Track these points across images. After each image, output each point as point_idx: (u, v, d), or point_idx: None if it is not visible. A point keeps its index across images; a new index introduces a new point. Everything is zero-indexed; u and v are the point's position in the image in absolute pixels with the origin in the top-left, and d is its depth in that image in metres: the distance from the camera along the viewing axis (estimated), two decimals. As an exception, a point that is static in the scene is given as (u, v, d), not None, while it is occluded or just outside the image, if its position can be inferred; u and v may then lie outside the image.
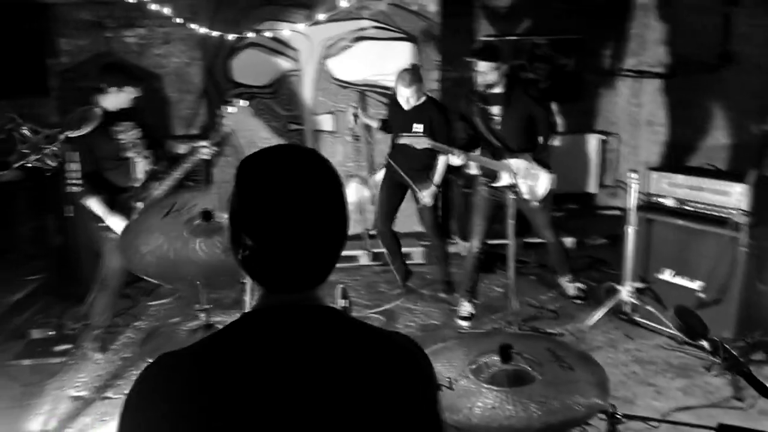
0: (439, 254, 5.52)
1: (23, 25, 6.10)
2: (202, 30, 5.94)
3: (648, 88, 6.90)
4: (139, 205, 4.23)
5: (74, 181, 4.10)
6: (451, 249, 6.51)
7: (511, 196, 4.32)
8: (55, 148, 2.53)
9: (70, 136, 2.73)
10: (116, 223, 4.12)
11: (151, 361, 1.17)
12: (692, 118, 6.35)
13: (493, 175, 4.71)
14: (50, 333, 4.79)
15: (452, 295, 5.32)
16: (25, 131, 2.49)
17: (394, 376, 1.16)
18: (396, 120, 5.11)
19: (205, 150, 4.34)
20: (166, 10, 5.71)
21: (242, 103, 4.47)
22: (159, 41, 6.75)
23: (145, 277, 2.65)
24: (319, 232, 1.17)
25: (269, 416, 1.08)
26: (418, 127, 4.96)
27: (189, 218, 2.73)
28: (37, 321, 5.10)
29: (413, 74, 4.91)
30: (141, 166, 4.35)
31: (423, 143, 4.67)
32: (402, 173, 5.06)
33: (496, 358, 2.35)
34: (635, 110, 7.17)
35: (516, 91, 4.65)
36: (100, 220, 4.19)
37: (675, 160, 6.43)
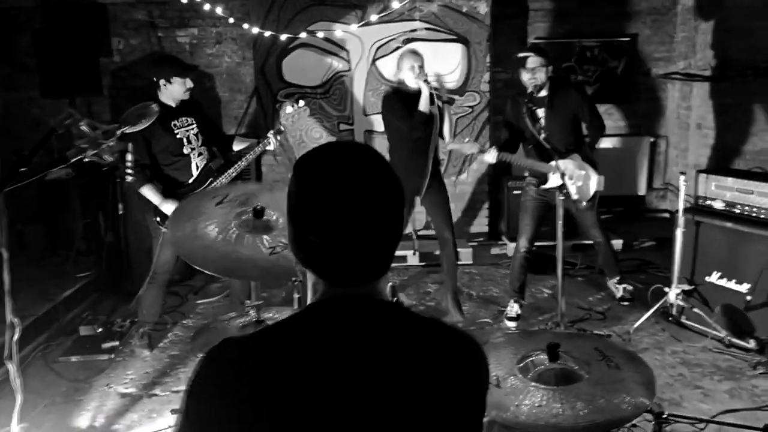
0: (450, 263, 5.01)
1: (79, 25, 6.26)
2: (254, 30, 6.07)
3: (698, 91, 6.83)
4: None
5: (129, 171, 4.19)
6: (501, 251, 6.60)
7: (560, 197, 4.36)
8: (112, 143, 2.61)
9: (127, 132, 2.82)
10: (171, 210, 4.13)
11: (202, 354, 1.20)
12: (742, 121, 6.29)
13: (542, 177, 4.75)
14: (99, 330, 4.84)
15: (462, 317, 5.02)
16: (84, 126, 2.58)
17: (452, 373, 1.20)
18: (408, 112, 4.61)
19: (269, 141, 4.33)
20: (219, 10, 5.85)
21: (301, 103, 4.48)
22: (211, 41, 6.93)
23: (190, 263, 2.68)
24: (380, 226, 1.19)
25: (329, 403, 1.11)
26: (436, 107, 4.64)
27: (240, 211, 2.74)
28: (86, 318, 5.13)
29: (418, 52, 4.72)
30: (195, 163, 4.39)
31: (471, 148, 4.73)
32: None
33: (543, 356, 2.42)
34: (685, 113, 7.11)
35: (559, 93, 4.70)
36: (154, 212, 4.27)
37: (724, 163, 6.37)
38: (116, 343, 4.70)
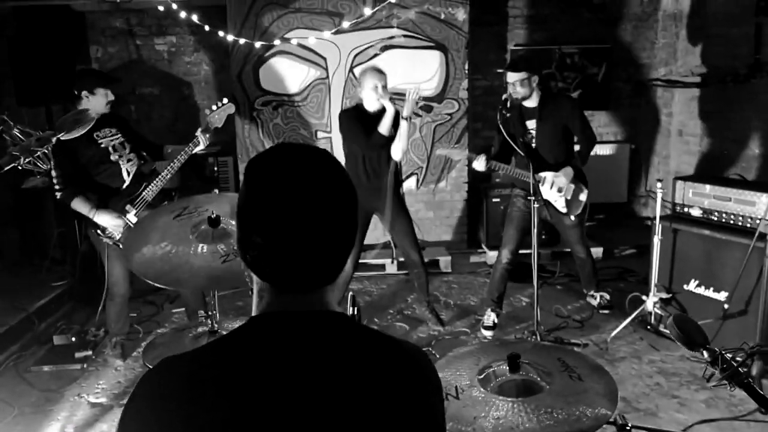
0: (422, 282, 5.02)
1: (55, 33, 6.22)
2: (230, 37, 6.03)
3: (679, 97, 6.83)
4: (129, 207, 4.22)
5: (56, 187, 4.11)
6: (480, 259, 6.53)
7: (535, 204, 4.31)
8: (46, 151, 2.55)
9: (62, 138, 2.75)
10: (105, 220, 4.14)
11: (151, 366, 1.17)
12: (723, 128, 6.27)
13: (530, 188, 4.69)
14: (72, 339, 4.80)
15: (442, 326, 5.02)
16: (16, 133, 2.52)
17: (400, 386, 1.16)
18: (363, 131, 4.56)
19: (198, 140, 4.22)
20: (195, 18, 5.79)
21: (225, 100, 4.36)
22: (189, 49, 6.90)
23: (145, 279, 2.59)
24: (328, 229, 1.15)
25: (271, 421, 1.06)
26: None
27: (197, 222, 2.70)
28: (60, 327, 5.08)
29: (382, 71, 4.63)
30: (126, 169, 4.34)
31: (459, 154, 4.68)
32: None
33: (504, 367, 2.36)
34: (666, 120, 7.10)
35: (549, 105, 4.66)
36: (93, 225, 4.20)
37: (706, 170, 6.36)
38: (89, 352, 4.66)
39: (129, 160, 4.38)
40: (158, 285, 2.51)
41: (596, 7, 7.08)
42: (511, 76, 4.55)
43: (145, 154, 4.58)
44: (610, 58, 7.11)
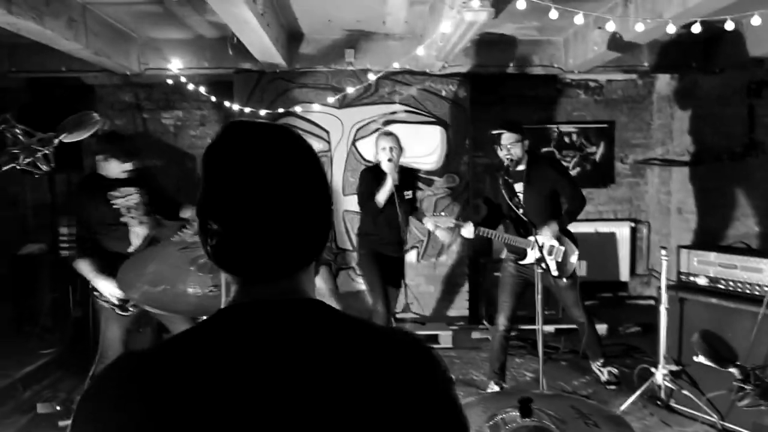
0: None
1: (65, 103, 6.30)
2: (235, 107, 6.16)
3: (676, 176, 6.89)
4: None
5: (68, 245, 3.96)
6: (482, 335, 6.39)
7: (538, 270, 4.25)
8: (47, 152, 2.50)
9: (65, 140, 2.70)
10: (105, 287, 3.93)
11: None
12: (722, 205, 6.31)
13: (520, 253, 4.66)
14: (57, 408, 4.64)
15: None
16: (18, 132, 2.48)
17: (399, 371, 1.01)
18: (369, 193, 4.99)
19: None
20: (203, 89, 5.93)
21: None
22: (195, 123, 7.01)
23: (141, 306, 2.46)
24: (292, 209, 1.06)
25: (248, 419, 0.94)
26: (408, 193, 5.07)
27: (196, 256, 2.64)
28: (44, 395, 4.94)
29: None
30: (137, 232, 4.18)
31: (447, 222, 4.68)
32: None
33: (515, 414, 2.25)
34: (665, 198, 7.14)
35: (536, 168, 4.67)
36: (93, 287, 4.04)
37: (705, 245, 6.35)
38: (73, 421, 4.46)
39: (141, 223, 4.22)
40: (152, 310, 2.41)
41: (593, 89, 7.25)
42: (508, 137, 4.55)
43: (159, 217, 4.41)
44: (608, 137, 7.23)
